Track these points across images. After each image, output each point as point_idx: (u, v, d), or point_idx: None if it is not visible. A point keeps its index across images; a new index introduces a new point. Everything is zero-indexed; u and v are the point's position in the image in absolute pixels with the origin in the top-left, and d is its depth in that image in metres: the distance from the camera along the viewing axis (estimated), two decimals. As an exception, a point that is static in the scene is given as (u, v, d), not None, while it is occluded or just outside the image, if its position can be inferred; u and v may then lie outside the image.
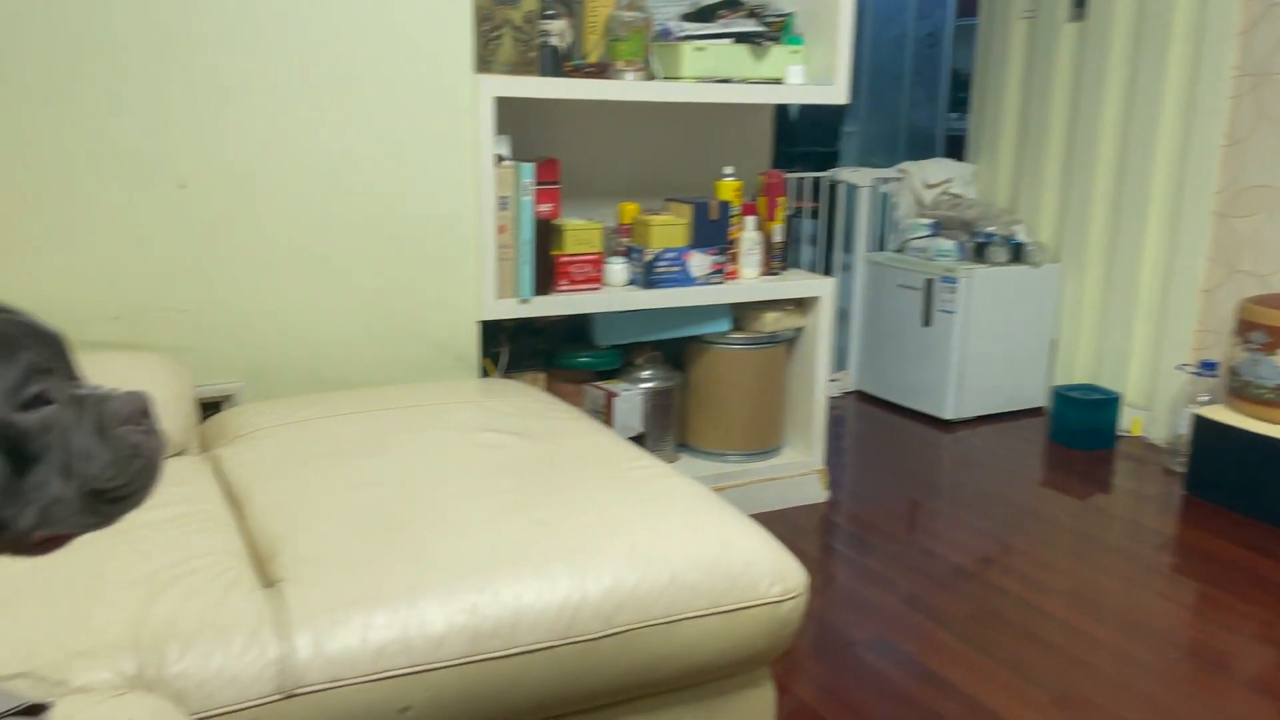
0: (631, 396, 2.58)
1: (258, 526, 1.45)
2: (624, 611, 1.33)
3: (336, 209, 2.14)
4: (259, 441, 1.78)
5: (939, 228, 3.73)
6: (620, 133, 2.71)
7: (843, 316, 3.60)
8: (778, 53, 2.55)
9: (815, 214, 4.06)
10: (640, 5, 2.48)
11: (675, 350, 2.78)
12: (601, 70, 2.43)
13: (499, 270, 2.32)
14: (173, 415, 1.77)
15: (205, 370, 2.07)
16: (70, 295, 1.93)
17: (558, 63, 2.40)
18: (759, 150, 2.89)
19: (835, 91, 2.59)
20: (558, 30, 2.40)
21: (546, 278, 2.39)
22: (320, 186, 2.12)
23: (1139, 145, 3.33)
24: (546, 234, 2.37)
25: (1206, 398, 3.02)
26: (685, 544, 1.41)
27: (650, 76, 2.50)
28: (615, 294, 2.47)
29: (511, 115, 2.40)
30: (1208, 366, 3.06)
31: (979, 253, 3.56)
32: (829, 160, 5.40)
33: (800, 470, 2.79)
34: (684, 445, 2.80)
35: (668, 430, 2.69)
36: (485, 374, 2.42)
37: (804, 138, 5.51)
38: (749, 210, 2.65)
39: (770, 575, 1.41)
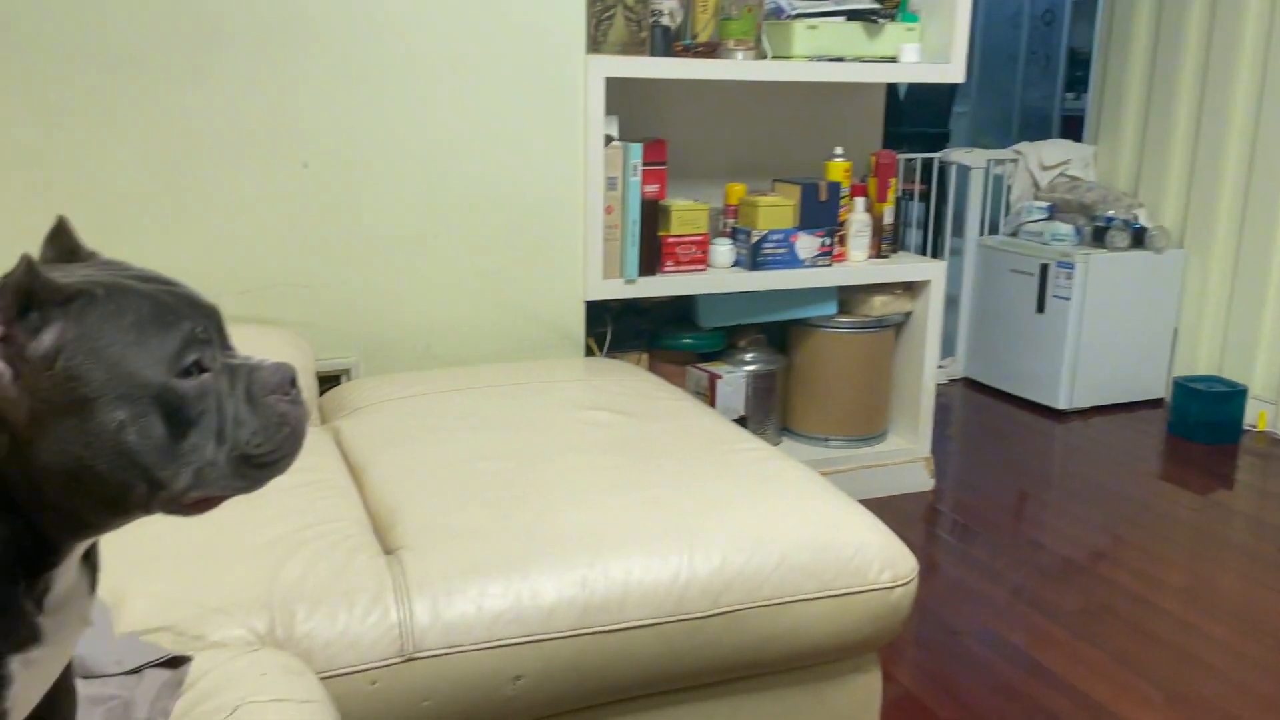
0: (735, 379, 2.57)
1: (376, 496, 1.50)
2: (732, 591, 1.33)
3: (449, 189, 2.19)
4: (375, 415, 1.83)
5: (1055, 211, 3.61)
6: (728, 112, 2.69)
7: (951, 302, 3.52)
8: (892, 30, 2.50)
9: (923, 196, 3.98)
10: (752, -16, 2.46)
11: (779, 333, 2.77)
12: (712, 50, 2.42)
13: (605, 251, 2.34)
14: (296, 387, 1.84)
15: (324, 345, 2.15)
16: (203, 270, 2.02)
17: (668, 42, 2.40)
18: (869, 130, 2.85)
19: (952, 70, 2.52)
20: (669, 10, 2.40)
21: (652, 258, 2.40)
22: (434, 167, 2.17)
23: (1272, 125, 3.17)
24: (653, 215, 2.38)
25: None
26: (794, 526, 1.41)
27: (761, 55, 2.48)
28: (720, 275, 2.47)
29: (619, 95, 2.41)
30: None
31: (1098, 237, 3.44)
32: (938, 141, 5.27)
33: (905, 457, 2.75)
34: (786, 429, 2.78)
35: (770, 414, 2.68)
36: (590, 353, 2.45)
37: (912, 118, 5.38)
38: (858, 191, 2.61)
39: (880, 561, 1.40)
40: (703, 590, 1.32)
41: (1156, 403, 3.56)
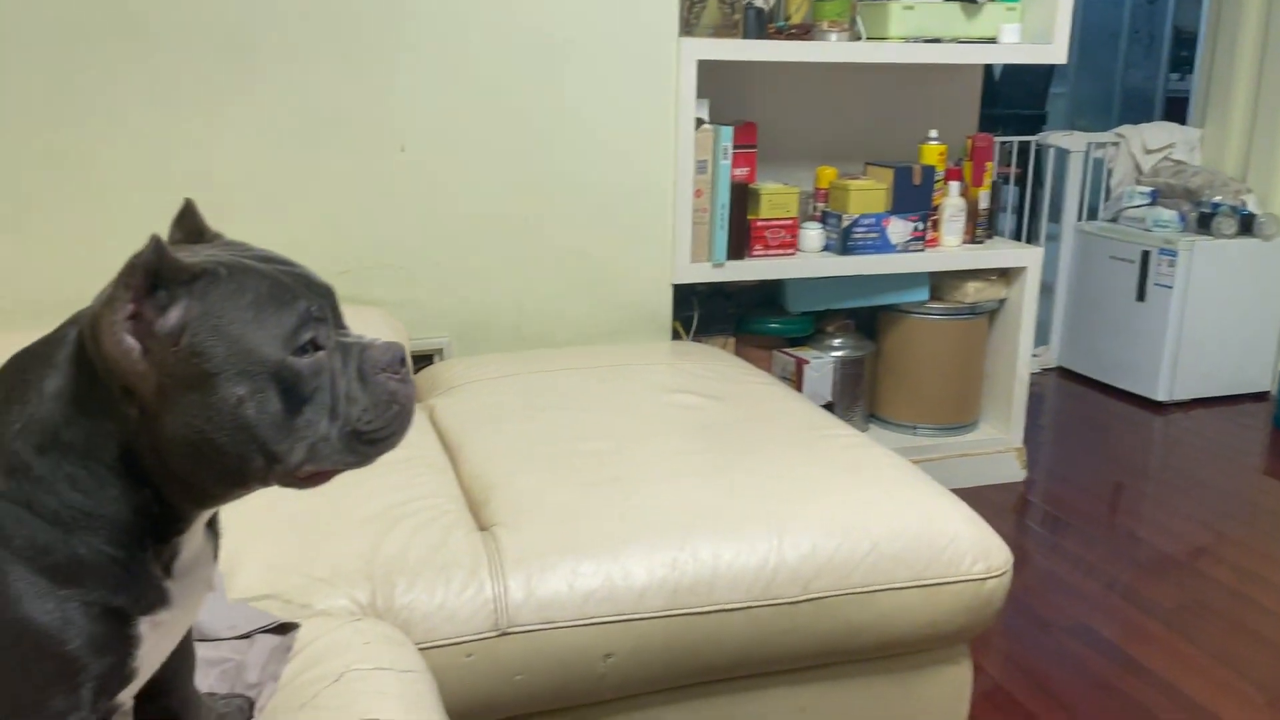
0: (822, 365, 2.55)
1: (471, 473, 1.53)
2: (822, 577, 1.33)
3: (541, 172, 2.21)
4: (468, 394, 1.87)
5: (1158, 196, 3.49)
6: (819, 95, 2.66)
7: (1046, 289, 3.44)
8: (991, 10, 2.44)
9: (1017, 180, 3.88)
10: (847, -36, 2.42)
11: (868, 318, 2.73)
12: (805, 32, 2.40)
13: (694, 234, 2.34)
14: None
15: (418, 325, 2.19)
16: (305, 250, 2.06)
17: (761, 25, 2.38)
18: (965, 112, 2.78)
19: (1053, 51, 2.45)
20: (762, -8, 2.38)
21: (741, 242, 2.39)
22: (527, 150, 2.19)
23: (1399, 106, 3.01)
24: (742, 198, 2.37)
25: None
26: (886, 514, 1.40)
27: (855, 37, 2.45)
28: (810, 260, 2.45)
29: (710, 78, 2.40)
30: None
31: (1203, 224, 3.31)
32: (1034, 124, 5.12)
33: (996, 447, 2.70)
34: (873, 416, 2.75)
35: (857, 400, 2.66)
36: (676, 336, 2.46)
37: (1007, 99, 5.24)
38: (953, 175, 2.56)
39: (974, 552, 1.38)
40: (792, 575, 1.32)
41: (1261, 396, 3.42)
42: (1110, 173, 3.72)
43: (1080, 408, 3.37)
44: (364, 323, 1.95)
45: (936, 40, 2.42)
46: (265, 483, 0.74)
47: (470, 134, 2.15)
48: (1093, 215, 3.71)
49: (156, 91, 1.93)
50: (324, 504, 1.33)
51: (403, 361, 0.78)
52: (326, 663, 1.03)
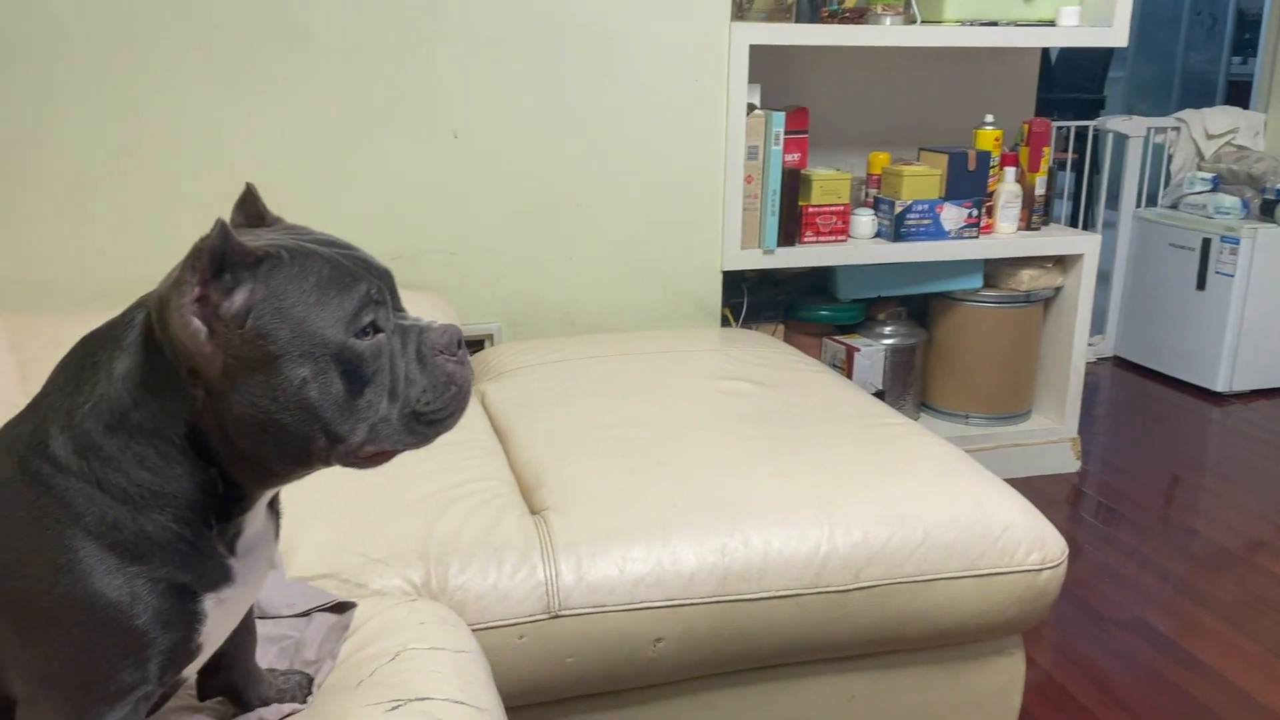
0: (873, 352, 2.53)
1: (521, 458, 1.54)
2: (873, 566, 1.32)
3: (592, 158, 2.21)
4: (518, 379, 1.88)
5: (1220, 182, 3.41)
6: (872, 79, 2.63)
7: (1102, 277, 3.38)
8: (1050, -8, 2.39)
9: (1073, 166, 3.81)
10: (902, -54, 2.39)
11: (920, 306, 2.70)
12: (859, 15, 2.37)
13: (744, 220, 2.33)
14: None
15: (469, 310, 2.21)
16: (358, 236, 2.09)
17: (814, 9, 2.36)
18: (1022, 97, 2.74)
19: (1114, 33, 2.40)
20: (815, -25, 2.35)
21: (792, 229, 2.37)
22: (578, 136, 2.19)
23: None
24: (793, 184, 2.35)
25: None
26: (939, 504, 1.38)
27: (910, 20, 2.41)
28: (861, 246, 2.43)
29: (762, 63, 2.38)
30: None
31: (1266, 210, 3.23)
32: (1091, 108, 5.02)
33: (1050, 437, 2.66)
34: (924, 405, 2.73)
35: (908, 388, 2.63)
36: (726, 323, 2.45)
37: (1064, 83, 5.14)
38: (1009, 161, 2.52)
39: (1028, 542, 1.37)
40: (843, 564, 1.32)
41: (1327, 388, 3.34)
42: (1170, 158, 3.63)
43: (1137, 398, 3.31)
44: (416, 308, 1.96)
45: (993, 23, 2.38)
46: (327, 463, 0.76)
47: (521, 120, 2.15)
48: (1151, 202, 3.63)
49: (214, 80, 1.96)
50: (379, 486, 1.35)
51: (460, 344, 0.79)
52: (383, 641, 1.05)
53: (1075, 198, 3.76)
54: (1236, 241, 3.16)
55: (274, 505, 0.85)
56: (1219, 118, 3.59)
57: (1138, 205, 3.55)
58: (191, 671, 0.81)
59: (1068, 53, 5.22)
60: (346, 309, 0.73)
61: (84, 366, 0.73)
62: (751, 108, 2.28)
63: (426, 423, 0.77)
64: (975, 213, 2.46)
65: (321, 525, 1.27)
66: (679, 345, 2.05)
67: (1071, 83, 5.20)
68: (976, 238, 2.48)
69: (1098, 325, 3.57)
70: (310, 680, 1.00)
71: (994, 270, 2.59)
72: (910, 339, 2.59)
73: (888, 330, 2.59)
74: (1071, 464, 2.70)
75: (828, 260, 2.42)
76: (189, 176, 1.98)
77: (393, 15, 2.03)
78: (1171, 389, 3.36)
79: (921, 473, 1.46)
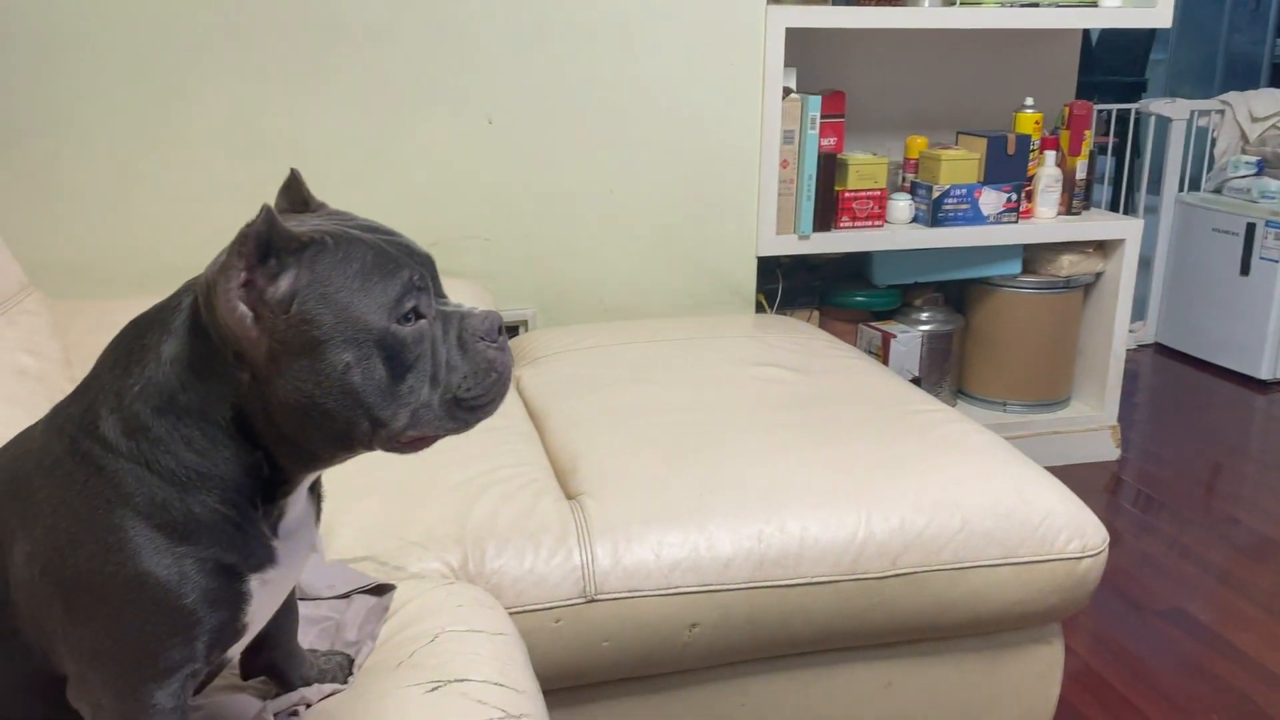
0: (910, 339, 2.51)
1: (557, 443, 1.54)
2: (911, 553, 1.31)
3: (627, 143, 2.20)
4: (553, 364, 1.88)
5: (1265, 166, 3.34)
6: (910, 62, 2.60)
7: (1143, 263, 3.33)
8: (1092, -27, 2.35)
9: (1112, 150, 3.75)
10: (941, -73, 2.35)
11: (957, 292, 2.68)
12: (896, -2, 2.34)
13: (779, 206, 2.31)
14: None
15: (504, 296, 2.21)
16: (394, 222, 2.10)
17: (851, -9, 2.33)
18: (1062, 79, 2.70)
19: (1157, 14, 2.36)
20: (852, -43, 2.33)
21: (827, 214, 2.35)
22: (612, 121, 2.19)
23: None
24: (829, 169, 2.34)
25: None
26: (978, 491, 1.37)
27: (949, 2, 2.38)
28: (898, 232, 2.41)
29: (797, 46, 2.36)
30: None
31: (1314, 194, 3.16)
32: (1132, 91, 4.93)
33: (1090, 425, 2.63)
34: (961, 392, 2.70)
35: (945, 375, 2.61)
36: (760, 309, 2.44)
37: (1105, 66, 5.05)
38: (1049, 144, 2.48)
39: (1069, 530, 1.35)
40: (880, 550, 1.31)
41: (1375, 375, 3.27)
42: (1214, 142, 3.57)
43: (1178, 385, 3.27)
44: (451, 294, 1.98)
45: (1034, 4, 2.35)
46: (370, 447, 0.76)
47: (555, 105, 2.15)
48: (1194, 186, 3.57)
49: (252, 68, 1.98)
50: (416, 471, 1.36)
51: (501, 330, 0.79)
52: (421, 624, 1.06)
53: (1115, 182, 3.70)
54: (1282, 226, 3.10)
55: (316, 489, 0.86)
56: (1264, 100, 3.52)
57: (1180, 189, 3.49)
58: (236, 651, 0.82)
59: (1109, 34, 5.13)
60: (389, 295, 0.74)
61: (133, 349, 0.74)
62: (787, 91, 2.26)
63: (467, 408, 0.78)
64: (1014, 197, 2.43)
65: (360, 509, 1.28)
66: (713, 331, 2.05)
67: (1112, 65, 5.11)
68: (1015, 222, 2.45)
69: (1138, 311, 3.52)
70: (351, 661, 1.01)
71: (1033, 255, 2.56)
72: (947, 325, 2.57)
73: (924, 316, 2.56)
74: (1111, 452, 2.66)
75: (864, 246, 2.40)
76: (227, 163, 2.00)
77: (428, 1, 2.03)
78: (1214, 376, 3.31)
79: (960, 460, 1.45)
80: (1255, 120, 3.51)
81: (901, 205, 2.42)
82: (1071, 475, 2.56)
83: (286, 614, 0.92)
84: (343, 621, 1.07)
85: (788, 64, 2.25)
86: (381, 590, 1.12)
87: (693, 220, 2.29)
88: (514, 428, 1.56)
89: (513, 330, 2.24)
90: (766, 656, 1.35)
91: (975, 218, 2.42)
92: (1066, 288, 2.57)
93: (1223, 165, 3.48)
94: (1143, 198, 3.62)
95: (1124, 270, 2.53)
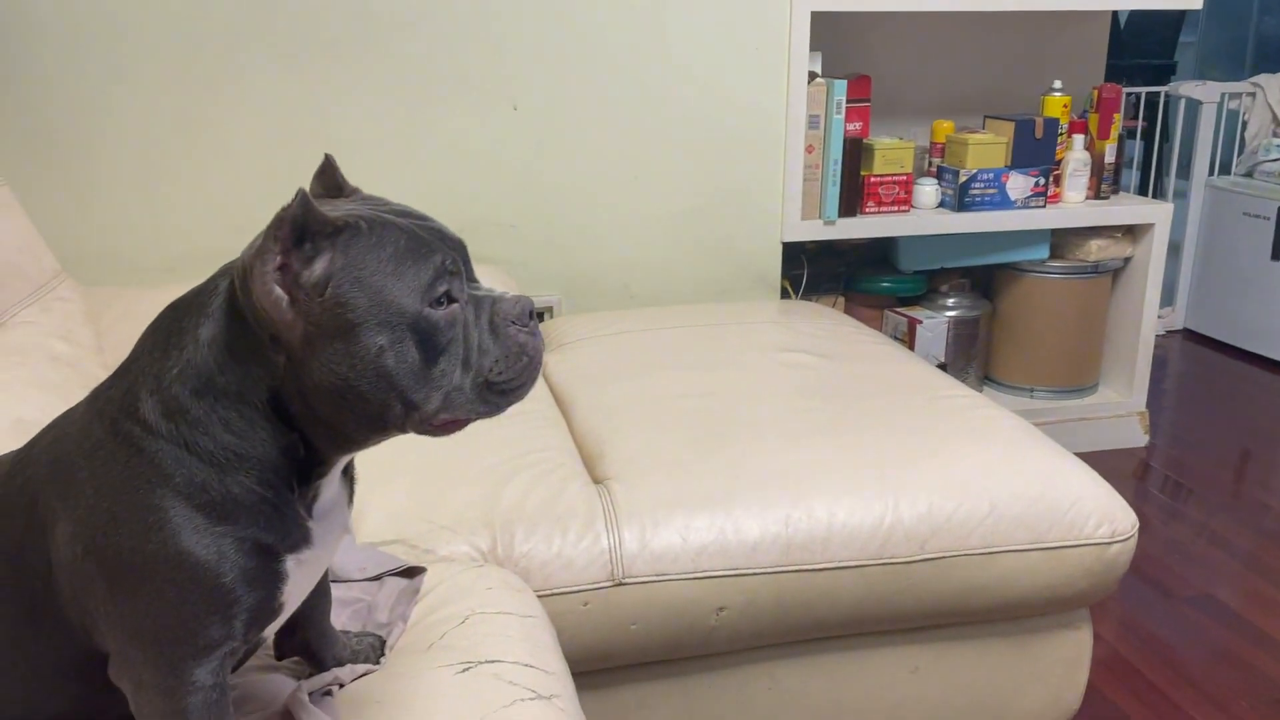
0: (936, 325, 2.50)
1: (583, 428, 1.55)
2: (939, 537, 1.31)
3: (652, 130, 2.20)
4: (579, 351, 1.89)
5: (1298, 149, 3.30)
6: (936, 46, 2.58)
7: (1172, 248, 3.29)
8: (1122, -46, 2.33)
9: (1141, 134, 3.71)
10: (968, -91, 2.33)
11: (984, 277, 2.66)
12: (923, -19, 2.32)
13: (805, 191, 2.31)
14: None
15: (529, 283, 2.22)
16: (421, 208, 2.12)
17: (877, -25, 2.31)
18: (1091, 62, 2.67)
19: (1189, -5, 2.33)
20: (878, -60, 2.31)
21: (853, 199, 2.34)
22: (637, 108, 2.18)
23: None
24: (855, 154, 2.33)
25: None
26: (1006, 476, 1.37)
27: (975, -15, 2.36)
28: (924, 217, 2.39)
29: (823, 30, 2.34)
30: None
31: (1348, 178, 3.12)
32: (1160, 74, 4.87)
33: (1118, 411, 2.61)
34: (988, 378, 2.69)
35: (971, 361, 2.60)
36: (785, 295, 2.44)
37: (1133, 48, 4.99)
38: (1077, 128, 2.46)
39: (1098, 515, 1.35)
40: (908, 535, 1.31)
41: None
42: (1245, 125, 3.52)
43: (1207, 371, 3.23)
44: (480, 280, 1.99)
45: (1063, -14, 2.32)
46: (403, 430, 0.77)
47: (580, 91, 2.15)
48: (1225, 170, 3.52)
49: (279, 56, 1.99)
50: (444, 455, 1.37)
51: (532, 314, 0.80)
52: (452, 605, 1.07)
53: (1144, 167, 3.66)
54: (1315, 210, 3.06)
55: (348, 471, 0.87)
56: (1298, 82, 3.47)
57: (1210, 173, 3.45)
58: (271, 631, 0.83)
59: (1137, 17, 5.07)
60: (422, 279, 0.74)
61: (171, 332, 0.75)
62: (813, 76, 2.25)
63: (499, 392, 0.78)
64: (1042, 181, 2.41)
65: (390, 493, 1.30)
66: (738, 317, 2.05)
67: (1141, 48, 5.05)
68: (1043, 207, 2.43)
69: (1167, 297, 3.47)
70: (383, 642, 1.02)
71: (1061, 240, 2.54)
72: (974, 311, 2.56)
73: (950, 302, 2.55)
74: (1139, 438, 2.64)
75: (890, 231, 2.39)
76: (256, 152, 2.02)
77: (454, -13, 2.03)
78: (1243, 362, 3.28)
79: (988, 445, 1.44)
80: (1288, 102, 3.46)
81: (928, 190, 2.41)
82: (1099, 461, 2.53)
83: (320, 595, 0.94)
84: (374, 603, 1.08)
85: (813, 48, 2.24)
86: (412, 573, 1.13)
87: (718, 206, 2.28)
88: (541, 413, 1.57)
89: (539, 317, 2.25)
90: (793, 641, 1.35)
91: (1002, 202, 2.40)
92: (1095, 273, 2.54)
93: (1254, 149, 3.43)
94: (1172, 182, 3.58)
95: (1153, 255, 2.51)
